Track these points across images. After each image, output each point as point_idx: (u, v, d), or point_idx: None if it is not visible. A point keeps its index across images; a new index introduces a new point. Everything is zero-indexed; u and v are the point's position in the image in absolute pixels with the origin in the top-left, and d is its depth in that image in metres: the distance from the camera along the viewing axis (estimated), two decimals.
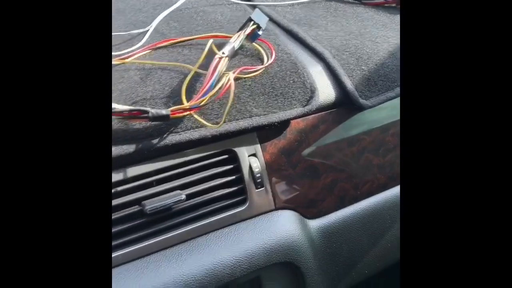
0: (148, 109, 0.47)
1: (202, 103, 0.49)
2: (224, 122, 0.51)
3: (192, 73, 0.52)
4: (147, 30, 0.62)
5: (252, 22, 0.58)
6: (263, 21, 0.59)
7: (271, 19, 0.70)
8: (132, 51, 0.57)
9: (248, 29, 0.57)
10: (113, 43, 0.59)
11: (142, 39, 0.60)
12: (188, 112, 0.49)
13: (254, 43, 0.60)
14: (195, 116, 0.50)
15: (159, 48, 0.59)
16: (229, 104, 0.50)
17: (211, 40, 0.54)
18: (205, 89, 0.50)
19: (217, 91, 0.50)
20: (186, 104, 0.49)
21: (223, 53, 0.53)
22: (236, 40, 0.56)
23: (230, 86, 0.50)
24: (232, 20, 0.67)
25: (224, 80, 0.50)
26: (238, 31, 0.58)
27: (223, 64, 0.52)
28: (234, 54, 0.56)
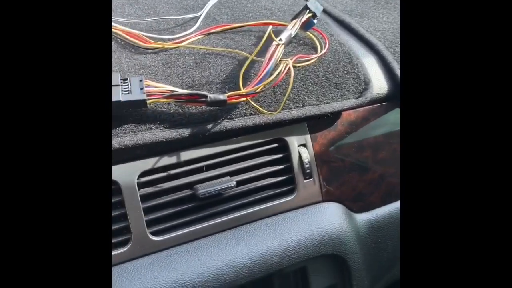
0: (206, 93, 0.47)
1: (259, 89, 0.49)
2: (282, 109, 0.51)
3: (249, 60, 0.52)
4: (200, 15, 0.61)
5: (308, 10, 0.57)
6: (318, 9, 0.58)
7: (323, 10, 0.69)
8: (186, 35, 0.57)
9: (304, 17, 0.56)
10: (166, 27, 0.59)
11: (194, 24, 0.59)
12: (244, 98, 0.49)
13: (307, 32, 0.59)
14: (251, 102, 0.49)
15: (212, 33, 0.59)
16: (288, 91, 0.49)
17: (270, 27, 0.54)
18: (261, 76, 0.49)
19: (273, 78, 0.50)
20: (242, 90, 0.49)
21: (280, 40, 0.52)
22: (292, 28, 0.55)
23: (289, 72, 0.49)
24: (282, 8, 0.66)
25: (281, 67, 0.50)
26: (293, 19, 0.57)
27: (279, 51, 0.51)
28: (289, 42, 0.55)
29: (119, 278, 0.45)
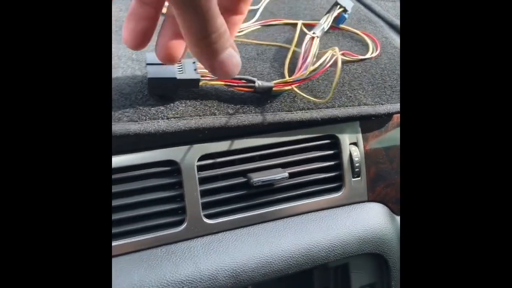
0: (254, 79, 0.48)
1: (303, 77, 0.50)
2: (332, 96, 0.53)
3: (291, 52, 0.55)
4: (258, 8, 0.63)
5: (339, 6, 0.60)
6: (349, 5, 0.61)
7: (376, 13, 0.70)
8: (245, 27, 0.58)
9: (336, 12, 0.60)
10: None
11: (254, 16, 0.61)
12: (290, 86, 0.50)
13: (362, 34, 0.60)
14: (295, 89, 0.51)
15: (269, 25, 0.60)
16: (336, 77, 0.50)
17: (300, 22, 0.58)
18: (302, 66, 0.52)
19: (318, 67, 0.52)
20: (288, 78, 0.50)
21: (313, 33, 0.56)
22: (325, 22, 0.59)
23: (337, 61, 0.50)
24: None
25: (327, 58, 0.52)
26: (326, 14, 0.61)
27: (315, 43, 0.54)
28: (322, 35, 0.59)
29: (172, 256, 0.46)
